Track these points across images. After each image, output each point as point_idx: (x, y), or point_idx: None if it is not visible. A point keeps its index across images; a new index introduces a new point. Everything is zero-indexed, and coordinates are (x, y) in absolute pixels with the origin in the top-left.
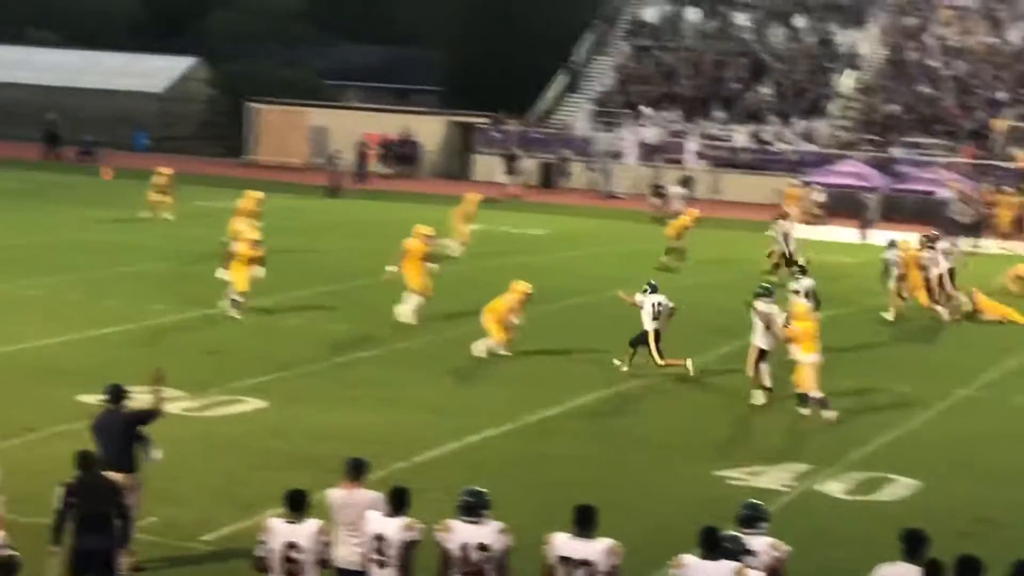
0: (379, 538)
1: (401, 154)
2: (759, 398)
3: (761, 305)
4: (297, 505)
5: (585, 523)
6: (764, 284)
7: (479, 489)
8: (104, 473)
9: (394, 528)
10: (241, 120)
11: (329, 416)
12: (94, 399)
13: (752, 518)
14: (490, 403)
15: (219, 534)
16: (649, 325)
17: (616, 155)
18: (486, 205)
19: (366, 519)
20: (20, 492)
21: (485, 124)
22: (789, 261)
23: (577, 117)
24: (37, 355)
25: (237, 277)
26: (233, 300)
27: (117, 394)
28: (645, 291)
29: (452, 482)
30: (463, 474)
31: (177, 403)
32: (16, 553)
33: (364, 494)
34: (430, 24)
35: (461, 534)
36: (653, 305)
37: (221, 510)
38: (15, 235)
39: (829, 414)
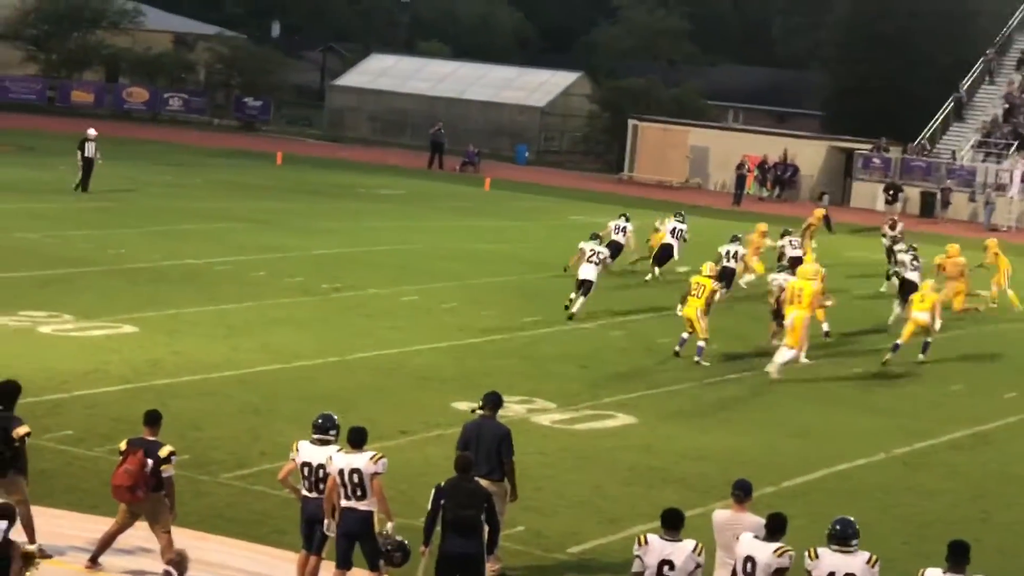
0: (750, 560)
1: (779, 177)
2: None
3: None
4: (674, 523)
5: (958, 560)
6: None
7: (850, 519)
8: (477, 479)
9: (766, 553)
10: (619, 136)
11: (699, 436)
12: (467, 406)
13: None
14: (860, 432)
15: (584, 547)
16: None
17: (1000, 187)
18: (864, 233)
19: (739, 541)
20: (392, 494)
21: (866, 150)
22: None
23: (961, 147)
24: (413, 360)
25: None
26: (699, 346)
27: (495, 402)
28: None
29: (820, 510)
30: (831, 502)
31: (547, 415)
32: (407, 541)
33: (749, 518)
34: (813, 48)
35: (829, 563)
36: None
37: (587, 523)
38: (397, 241)
39: None
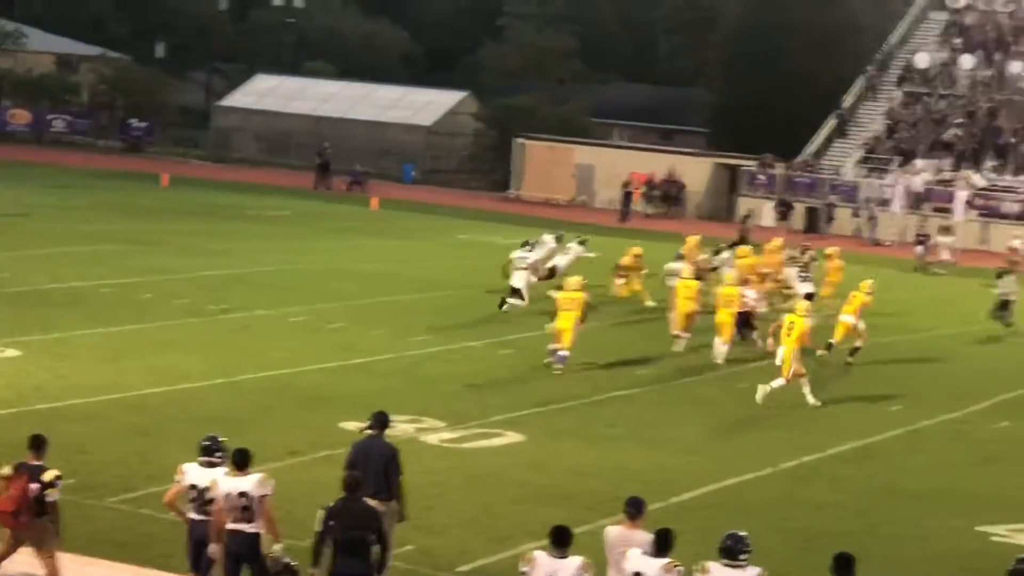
0: None
1: (666, 194)
2: None
3: None
4: (561, 541)
5: (844, 572)
6: None
7: (742, 534)
8: (365, 499)
9: (654, 569)
10: (506, 155)
11: (587, 453)
12: (356, 426)
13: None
14: (748, 446)
15: (474, 565)
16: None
17: (883, 202)
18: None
19: (627, 557)
20: (281, 515)
21: (751, 167)
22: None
23: (844, 163)
24: (301, 381)
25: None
26: (561, 355)
27: (383, 422)
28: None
29: (709, 524)
30: (720, 517)
31: (436, 434)
32: (296, 563)
33: (641, 535)
34: (698, 66)
35: None
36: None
37: (476, 542)
38: (284, 261)
39: None
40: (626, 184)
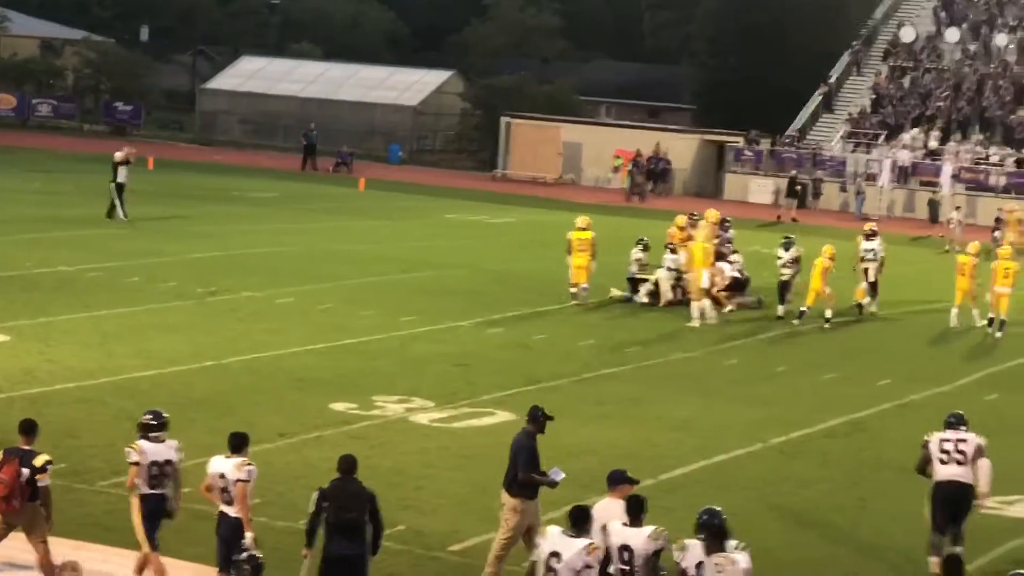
0: (626, 549)
1: (652, 171)
2: None
3: None
4: (579, 521)
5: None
6: None
7: (716, 508)
8: (356, 479)
9: (641, 539)
10: (492, 134)
11: (577, 431)
12: (345, 407)
13: None
14: (737, 423)
15: (466, 545)
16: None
17: (870, 177)
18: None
19: (609, 531)
20: (272, 496)
21: (737, 143)
22: None
23: (831, 138)
24: (290, 362)
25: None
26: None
27: (532, 415)
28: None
29: (698, 501)
30: (709, 493)
31: (425, 414)
32: (260, 556)
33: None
34: (683, 41)
35: (697, 554)
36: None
37: (468, 521)
38: (272, 243)
39: None
40: (635, 161)
